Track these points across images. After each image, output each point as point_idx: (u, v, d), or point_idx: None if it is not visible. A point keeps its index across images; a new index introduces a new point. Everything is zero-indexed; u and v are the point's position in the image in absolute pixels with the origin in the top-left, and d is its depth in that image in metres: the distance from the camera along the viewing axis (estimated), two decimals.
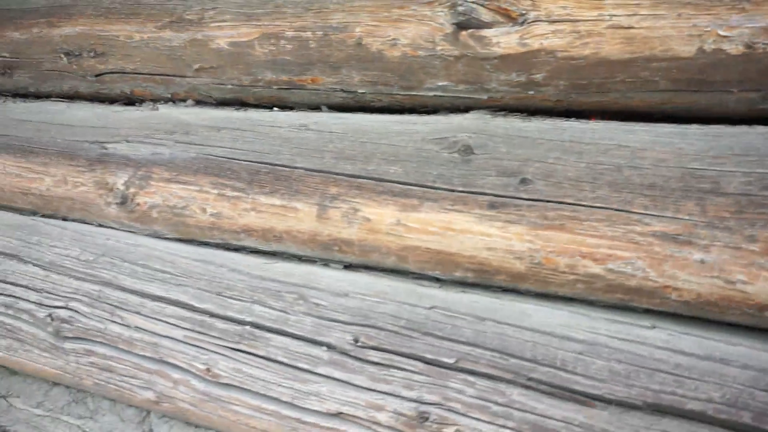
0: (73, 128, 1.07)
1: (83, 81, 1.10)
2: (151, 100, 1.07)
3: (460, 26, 0.76)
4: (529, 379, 0.75)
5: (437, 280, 0.85)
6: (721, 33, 0.67)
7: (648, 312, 0.76)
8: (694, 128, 0.73)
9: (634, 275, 0.72)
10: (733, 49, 0.67)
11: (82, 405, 1.09)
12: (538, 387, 0.75)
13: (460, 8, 0.75)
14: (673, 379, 0.71)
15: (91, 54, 1.04)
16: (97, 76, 1.07)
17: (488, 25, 0.75)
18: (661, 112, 0.76)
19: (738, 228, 0.67)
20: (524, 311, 0.79)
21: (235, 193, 0.91)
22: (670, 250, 0.70)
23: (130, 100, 1.10)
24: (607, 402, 0.73)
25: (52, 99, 1.17)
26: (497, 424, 0.75)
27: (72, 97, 1.16)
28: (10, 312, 1.04)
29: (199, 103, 1.04)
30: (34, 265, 1.05)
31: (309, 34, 0.86)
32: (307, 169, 0.86)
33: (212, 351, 0.88)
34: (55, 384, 1.10)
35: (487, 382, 0.77)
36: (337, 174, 0.84)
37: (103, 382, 0.97)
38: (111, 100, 1.12)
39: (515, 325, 0.78)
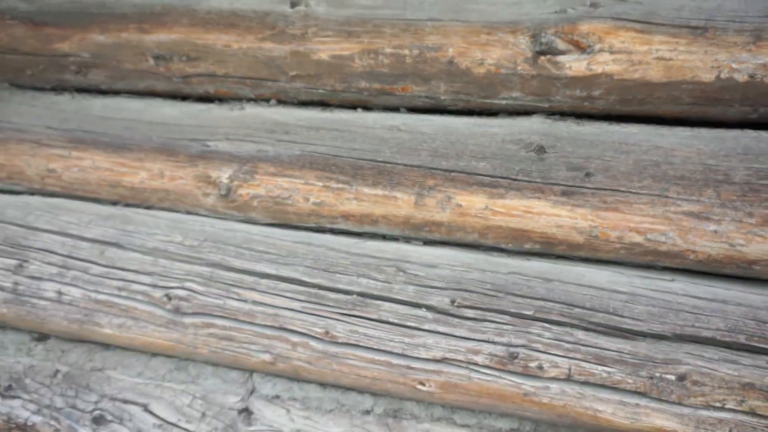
0: (167, 126, 1.18)
1: (165, 81, 1.20)
2: (234, 99, 1.20)
3: (540, 52, 0.97)
4: (590, 322, 1.00)
5: (506, 251, 1.08)
6: (734, 66, 0.93)
7: (666, 269, 1.03)
8: (704, 132, 0.99)
9: (665, 242, 0.98)
10: (741, 77, 0.93)
11: (183, 371, 1.23)
12: (597, 328, 1.00)
13: (543, 39, 0.95)
14: (692, 316, 0.98)
15: (183, 58, 1.15)
16: (184, 77, 1.18)
17: (563, 53, 0.96)
18: (679, 118, 1.02)
19: (741, 207, 0.95)
20: (579, 273, 1.04)
21: (339, 185, 1.08)
22: (694, 224, 0.96)
23: (210, 98, 1.22)
24: (646, 335, 1.00)
25: (122, 95, 1.26)
26: (569, 357, 1.00)
27: (145, 94, 1.25)
28: (123, 294, 1.15)
29: (280, 102, 1.18)
30: (138, 251, 1.16)
31: (406, 51, 1.03)
32: (406, 165, 1.05)
33: (329, 317, 1.07)
34: (154, 355, 1.23)
35: (559, 327, 1.01)
36: (433, 169, 1.04)
37: (219, 350, 1.13)
38: (188, 98, 1.23)
39: (575, 283, 1.03)
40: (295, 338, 1.08)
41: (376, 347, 1.05)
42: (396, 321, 1.05)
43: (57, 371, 1.27)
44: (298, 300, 1.08)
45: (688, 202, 0.96)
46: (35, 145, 1.24)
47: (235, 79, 1.16)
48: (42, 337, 1.31)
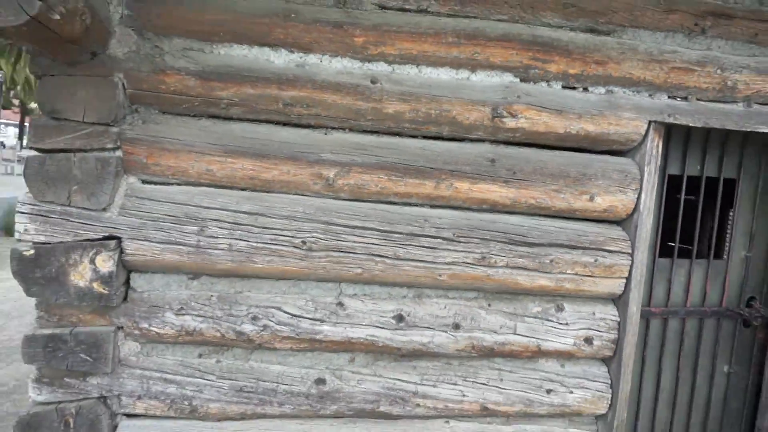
0: (290, 144, 2.01)
1: (284, 116, 2.02)
2: (323, 127, 2.08)
3: (494, 116, 2.07)
4: (513, 240, 2.17)
5: (475, 210, 2.18)
6: (570, 130, 2.15)
7: (546, 216, 2.25)
8: (562, 153, 2.21)
9: (544, 204, 2.19)
10: (576, 132, 2.16)
11: (296, 287, 2.07)
12: (516, 242, 2.17)
13: (497, 110, 2.06)
14: (554, 234, 2.21)
15: (304, 106, 1.99)
16: (299, 115, 2.02)
17: (504, 116, 2.08)
18: (553, 146, 2.22)
19: (575, 186, 2.19)
20: (508, 218, 2.20)
21: (395, 178, 2.06)
22: (556, 194, 2.18)
23: (308, 126, 2.07)
24: (538, 245, 2.20)
25: (249, 122, 2.04)
26: (506, 256, 2.16)
27: (265, 122, 2.05)
28: (274, 242, 1.96)
29: (352, 131, 2.10)
30: (277, 218, 1.98)
31: (432, 111, 2.05)
32: (430, 168, 2.07)
33: (394, 246, 2.05)
34: (277, 279, 2.06)
35: (500, 243, 2.16)
36: (443, 169, 2.08)
37: (331, 269, 2.02)
38: (293, 125, 2.06)
39: (506, 222, 2.19)
40: (377, 258, 2.05)
41: (418, 259, 2.08)
42: (427, 245, 2.09)
43: (211, 296, 2.03)
44: (376, 238, 2.05)
45: (554, 185, 2.17)
46: (199, 154, 1.96)
47: (331, 118, 2.04)
48: (195, 275, 2.05)
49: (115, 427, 2.04)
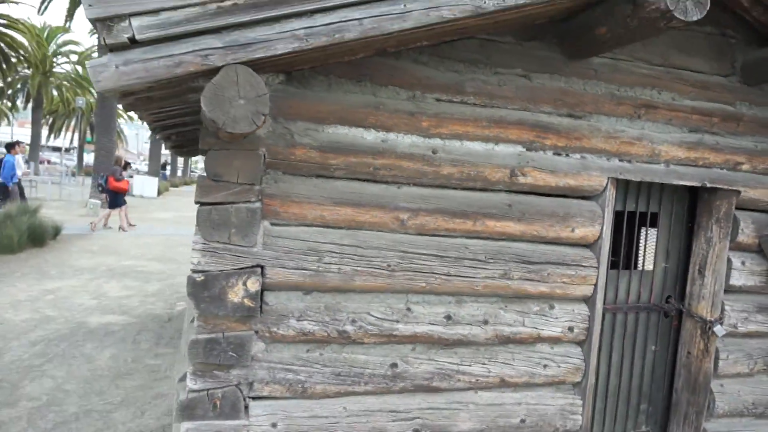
0: (377, 196, 2.83)
1: (371, 175, 2.84)
2: (395, 183, 2.92)
3: (511, 175, 3.01)
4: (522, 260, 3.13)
5: (496, 239, 3.12)
6: (553, 180, 3.15)
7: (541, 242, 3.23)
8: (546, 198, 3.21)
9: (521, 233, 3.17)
10: (555, 183, 3.16)
11: (377, 297, 2.88)
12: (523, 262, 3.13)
13: (514, 171, 3.00)
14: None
15: (388, 169, 2.82)
16: (382, 174, 2.85)
17: (518, 175, 3.03)
18: (548, 194, 3.20)
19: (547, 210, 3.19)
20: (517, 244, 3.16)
21: (446, 218, 2.94)
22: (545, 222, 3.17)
23: (386, 182, 2.90)
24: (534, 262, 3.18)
25: (344, 180, 2.83)
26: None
27: (355, 180, 2.85)
28: (368, 266, 2.75)
29: (415, 185, 2.96)
30: (368, 248, 2.78)
31: (470, 171, 2.96)
32: (468, 211, 2.98)
33: (447, 266, 2.92)
34: (365, 293, 2.85)
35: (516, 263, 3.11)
36: (477, 212, 3.00)
37: (406, 284, 2.85)
38: (378, 182, 2.88)
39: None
40: (436, 275, 2.92)
41: (462, 275, 2.97)
42: (468, 265, 2.98)
43: (320, 306, 2.80)
44: (435, 261, 2.92)
45: (549, 221, 3.14)
46: (317, 205, 2.73)
47: (404, 177, 2.88)
48: (308, 292, 2.80)
49: (247, 407, 2.74)
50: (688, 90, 3.37)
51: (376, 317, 2.87)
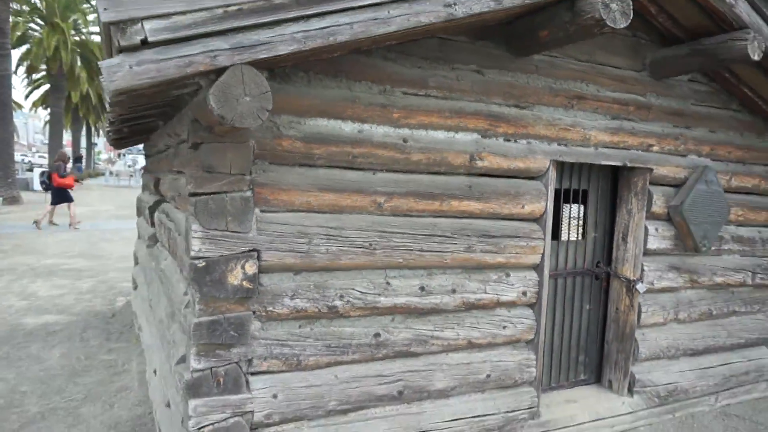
0: (356, 182, 3.11)
1: (350, 163, 3.12)
2: (370, 169, 3.21)
3: (470, 159, 3.41)
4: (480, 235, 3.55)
5: (457, 217, 3.51)
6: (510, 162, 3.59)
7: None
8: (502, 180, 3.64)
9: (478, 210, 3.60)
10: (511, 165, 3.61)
11: (359, 274, 3.16)
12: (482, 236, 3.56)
13: (473, 157, 3.40)
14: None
15: (368, 158, 3.11)
16: (360, 162, 3.13)
17: (477, 160, 3.43)
18: (501, 176, 3.63)
19: (512, 198, 3.64)
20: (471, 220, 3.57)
21: (417, 199, 3.28)
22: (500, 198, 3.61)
23: (363, 169, 3.19)
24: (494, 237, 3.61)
25: (324, 168, 3.09)
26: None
27: (335, 167, 3.12)
28: (351, 246, 3.03)
29: (390, 171, 3.27)
30: (351, 229, 3.05)
31: (435, 157, 3.32)
32: (436, 193, 3.34)
33: (420, 243, 3.27)
34: (349, 270, 3.13)
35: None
36: (443, 193, 3.37)
37: (387, 260, 3.16)
38: (356, 169, 3.17)
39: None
40: (410, 251, 3.26)
41: (433, 250, 3.33)
42: (437, 241, 3.35)
43: (310, 284, 3.05)
44: (408, 239, 3.25)
45: (503, 200, 3.58)
46: (303, 192, 2.97)
47: (379, 164, 3.18)
48: (298, 272, 3.04)
49: (248, 382, 2.94)
50: (609, 83, 3.93)
51: (360, 292, 3.16)
